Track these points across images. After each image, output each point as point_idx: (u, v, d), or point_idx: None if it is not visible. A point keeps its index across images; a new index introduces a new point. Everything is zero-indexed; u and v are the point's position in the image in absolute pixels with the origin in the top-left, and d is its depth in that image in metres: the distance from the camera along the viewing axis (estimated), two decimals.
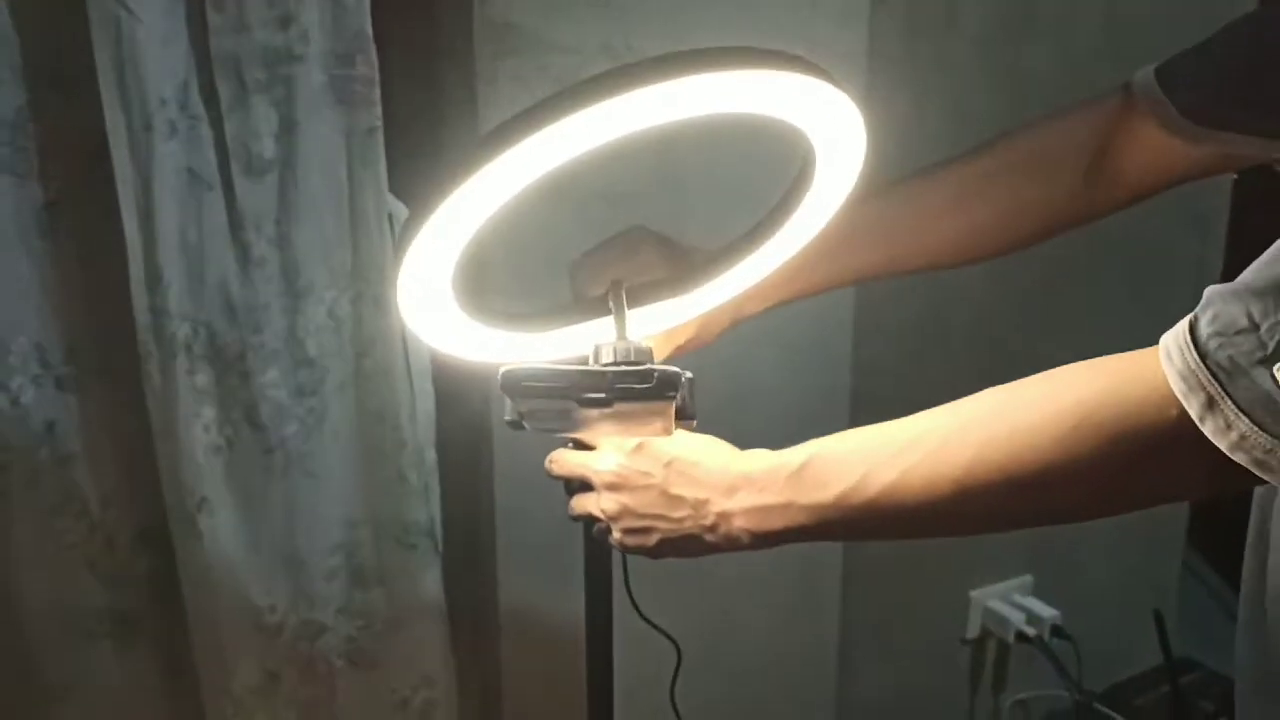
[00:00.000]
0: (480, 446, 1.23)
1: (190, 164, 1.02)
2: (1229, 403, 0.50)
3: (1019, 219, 0.89)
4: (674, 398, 0.70)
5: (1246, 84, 0.76)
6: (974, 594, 1.79)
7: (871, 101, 1.41)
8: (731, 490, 0.71)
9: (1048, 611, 1.76)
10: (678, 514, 0.73)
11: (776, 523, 0.69)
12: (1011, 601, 1.80)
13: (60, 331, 1.05)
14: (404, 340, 1.15)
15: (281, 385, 1.11)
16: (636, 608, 0.98)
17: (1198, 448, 0.51)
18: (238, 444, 1.10)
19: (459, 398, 1.24)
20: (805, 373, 1.43)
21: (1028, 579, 1.83)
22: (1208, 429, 0.51)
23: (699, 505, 0.72)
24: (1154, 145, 0.82)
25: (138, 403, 1.05)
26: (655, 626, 1.01)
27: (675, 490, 0.73)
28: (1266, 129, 0.75)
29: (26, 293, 1.03)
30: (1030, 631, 1.75)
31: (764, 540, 0.71)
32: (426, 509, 1.20)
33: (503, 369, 0.70)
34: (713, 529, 0.72)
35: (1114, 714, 1.78)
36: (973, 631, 1.81)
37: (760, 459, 0.71)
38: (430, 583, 1.22)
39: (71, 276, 1.04)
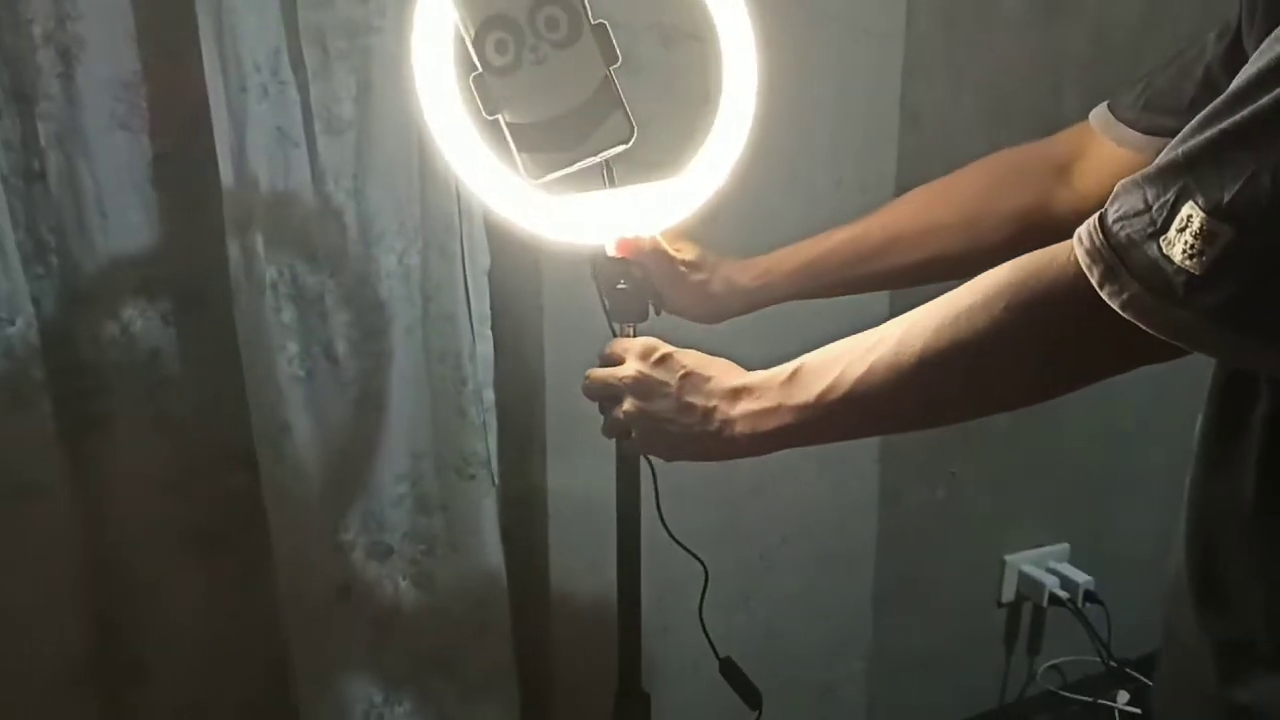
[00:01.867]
0: (534, 388, 1.32)
1: (279, 123, 1.12)
2: (1123, 269, 0.57)
3: (992, 224, 0.95)
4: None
5: (1180, 97, 0.83)
6: (1009, 558, 1.82)
7: (910, 82, 1.47)
8: (734, 398, 0.80)
9: (1081, 577, 1.79)
10: (688, 419, 0.82)
11: (769, 424, 0.77)
12: (1046, 567, 1.83)
13: (165, 270, 1.15)
14: (466, 289, 1.24)
15: (356, 325, 1.20)
16: (666, 527, 1.06)
17: (1100, 312, 0.58)
18: (316, 376, 1.20)
19: (516, 344, 1.32)
20: None
21: (1064, 546, 1.85)
22: (1105, 293, 0.58)
23: (707, 413, 0.81)
24: (1109, 160, 0.89)
25: (230, 335, 1.15)
26: (681, 545, 1.08)
27: (688, 398, 0.82)
28: None
29: (137, 234, 1.13)
30: (1063, 595, 1.78)
31: (759, 441, 0.79)
32: (484, 443, 1.28)
33: None
34: (717, 434, 0.81)
35: (1147, 680, 1.80)
36: (1008, 595, 1.84)
37: (759, 373, 0.80)
38: (487, 511, 1.30)
39: (175, 221, 1.15)
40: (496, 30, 0.80)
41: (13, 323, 1.05)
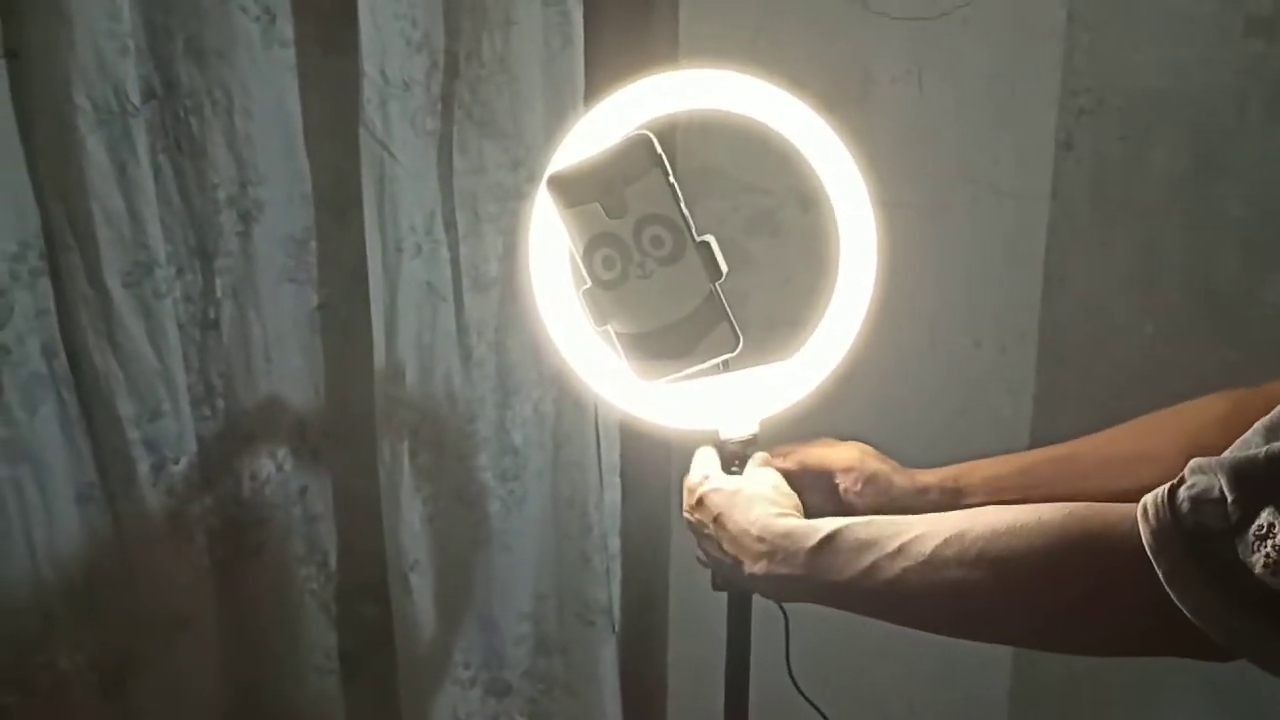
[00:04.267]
0: (659, 537, 1.29)
1: (429, 279, 1.15)
2: (1191, 565, 0.51)
3: None
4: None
5: None
6: None
7: (1055, 241, 1.40)
8: (756, 559, 0.75)
9: None
10: (731, 561, 0.79)
11: (799, 594, 0.74)
12: None
13: (318, 412, 1.19)
14: (598, 438, 1.23)
15: (489, 469, 1.21)
16: (793, 679, 1.00)
17: (1163, 605, 0.52)
18: (449, 516, 1.21)
19: (643, 493, 1.30)
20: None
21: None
22: (1173, 590, 0.52)
23: (738, 564, 0.78)
24: None
25: (371, 475, 1.17)
26: (811, 703, 1.02)
27: (725, 545, 0.80)
28: None
29: (296, 378, 1.17)
30: None
31: (791, 600, 0.78)
32: (607, 590, 1.26)
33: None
34: (751, 581, 0.77)
35: None
36: None
37: (786, 528, 0.74)
38: (605, 657, 1.28)
39: (330, 367, 1.18)
40: (604, 247, 0.81)
41: (177, 462, 1.10)
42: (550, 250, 0.86)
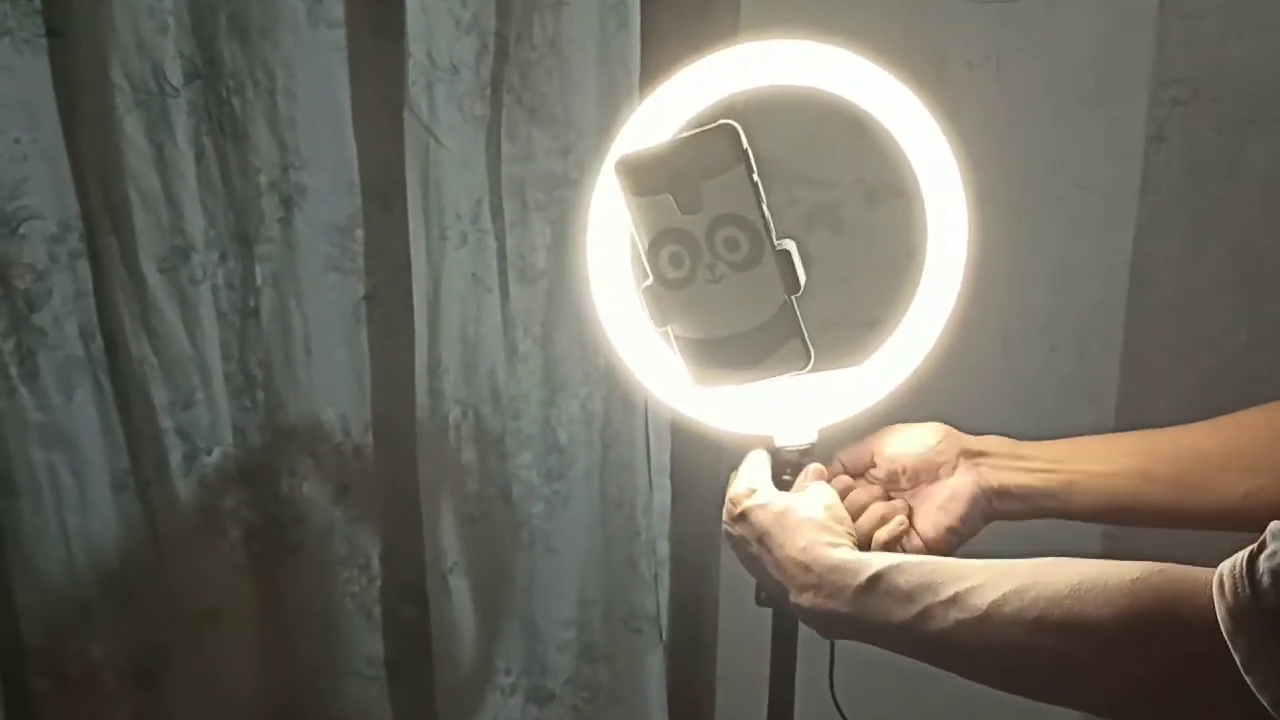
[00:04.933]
0: (709, 543, 1.22)
1: (475, 270, 1.09)
2: (1276, 652, 0.43)
3: None
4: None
5: None
6: None
7: (1143, 242, 1.29)
8: (802, 590, 0.68)
9: None
10: (774, 583, 0.73)
11: (846, 631, 0.67)
12: None
13: (361, 406, 1.13)
14: (647, 439, 1.17)
15: (533, 468, 1.15)
16: (835, 698, 0.92)
17: (1240, 692, 0.44)
18: (490, 517, 1.15)
19: (694, 496, 1.24)
20: None
21: None
22: (1252, 680, 0.43)
23: (784, 590, 0.71)
24: None
25: (412, 472, 1.12)
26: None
27: (768, 567, 0.72)
28: None
29: (340, 371, 1.12)
30: None
31: (835, 636, 0.70)
32: (654, 597, 1.20)
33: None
34: (795, 610, 0.71)
35: None
36: None
37: (833, 558, 0.67)
38: (652, 666, 1.21)
39: (375, 359, 1.13)
40: (672, 243, 0.74)
41: (209, 453, 1.06)
42: (609, 238, 0.79)
